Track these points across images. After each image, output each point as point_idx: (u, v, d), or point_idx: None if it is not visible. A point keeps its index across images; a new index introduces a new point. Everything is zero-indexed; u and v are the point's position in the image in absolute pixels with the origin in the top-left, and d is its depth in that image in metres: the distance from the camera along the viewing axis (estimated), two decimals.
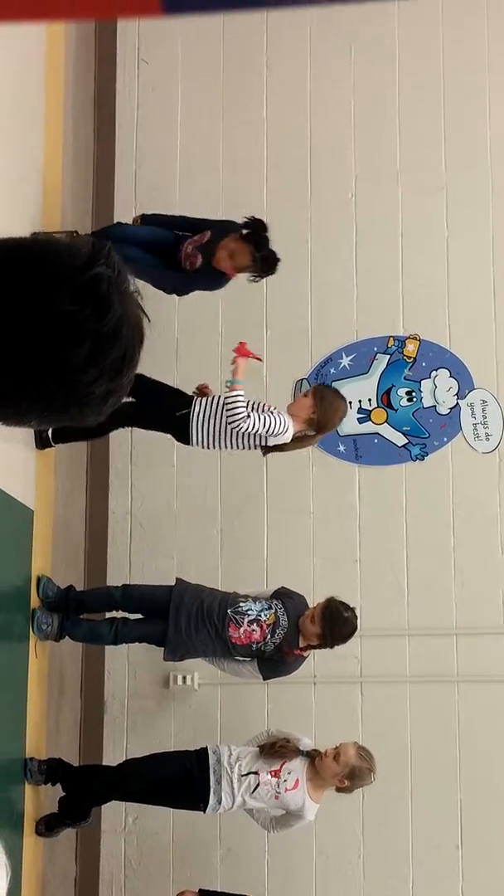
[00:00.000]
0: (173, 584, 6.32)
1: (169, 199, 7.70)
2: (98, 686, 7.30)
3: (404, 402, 7.60)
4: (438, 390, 7.58)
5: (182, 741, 6.88)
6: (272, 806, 6.10)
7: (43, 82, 6.96)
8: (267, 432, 6.17)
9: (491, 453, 7.51)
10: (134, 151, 7.97)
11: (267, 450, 6.34)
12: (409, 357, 7.63)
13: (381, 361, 7.64)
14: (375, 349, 7.65)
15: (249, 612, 6.12)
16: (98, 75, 8.16)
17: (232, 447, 6.33)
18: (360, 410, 7.55)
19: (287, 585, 6.33)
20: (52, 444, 6.55)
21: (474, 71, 7.89)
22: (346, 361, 7.64)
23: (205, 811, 6.08)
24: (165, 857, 7.11)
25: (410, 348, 7.63)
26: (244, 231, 6.59)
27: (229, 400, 6.16)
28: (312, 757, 6.01)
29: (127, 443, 7.39)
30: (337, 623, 6.03)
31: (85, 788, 6.26)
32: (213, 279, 6.74)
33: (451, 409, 7.56)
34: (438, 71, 7.93)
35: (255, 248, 6.50)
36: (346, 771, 5.92)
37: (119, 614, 6.39)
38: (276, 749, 6.04)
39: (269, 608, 6.13)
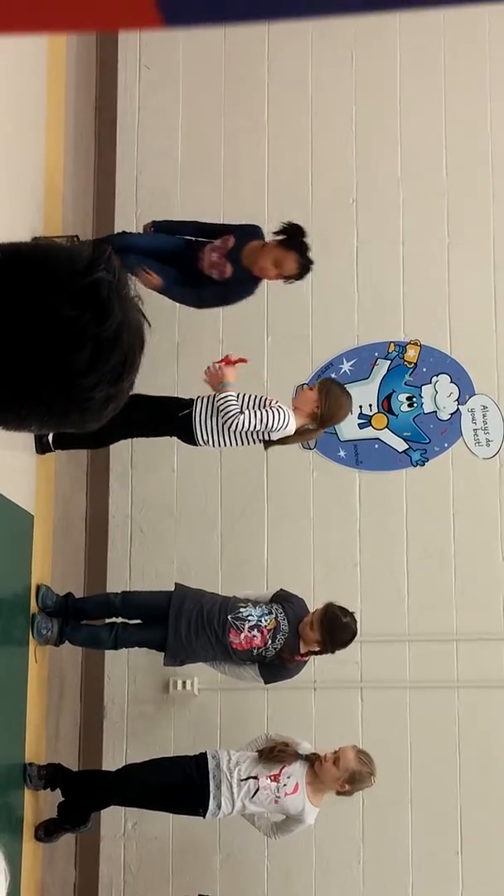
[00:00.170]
0: (172, 589, 6.32)
1: (170, 203, 7.70)
2: (98, 691, 7.29)
3: (405, 408, 7.59)
4: (439, 396, 7.58)
5: (182, 746, 6.86)
6: (272, 810, 6.09)
7: (44, 87, 6.96)
8: (265, 427, 6.16)
9: (491, 459, 7.51)
10: (135, 156, 7.96)
11: (268, 444, 6.34)
12: (410, 362, 7.63)
13: (382, 367, 7.63)
14: (376, 354, 7.65)
15: (250, 618, 6.11)
16: (99, 80, 8.16)
17: (233, 444, 6.33)
18: (361, 416, 7.55)
19: (287, 590, 6.32)
20: (53, 449, 6.54)
21: (476, 78, 7.90)
22: (346, 367, 7.63)
23: (204, 816, 6.06)
24: (165, 863, 7.10)
25: (411, 353, 7.63)
26: (279, 237, 6.49)
27: (220, 400, 6.18)
28: (312, 761, 5.99)
29: (127, 447, 7.37)
30: (336, 629, 6.01)
31: (84, 794, 6.25)
32: (246, 287, 6.65)
33: (451, 414, 7.56)
34: (440, 78, 7.93)
35: (298, 254, 6.45)
36: (347, 776, 5.90)
37: (119, 620, 6.38)
38: (275, 753, 6.02)
39: (270, 613, 6.12)
